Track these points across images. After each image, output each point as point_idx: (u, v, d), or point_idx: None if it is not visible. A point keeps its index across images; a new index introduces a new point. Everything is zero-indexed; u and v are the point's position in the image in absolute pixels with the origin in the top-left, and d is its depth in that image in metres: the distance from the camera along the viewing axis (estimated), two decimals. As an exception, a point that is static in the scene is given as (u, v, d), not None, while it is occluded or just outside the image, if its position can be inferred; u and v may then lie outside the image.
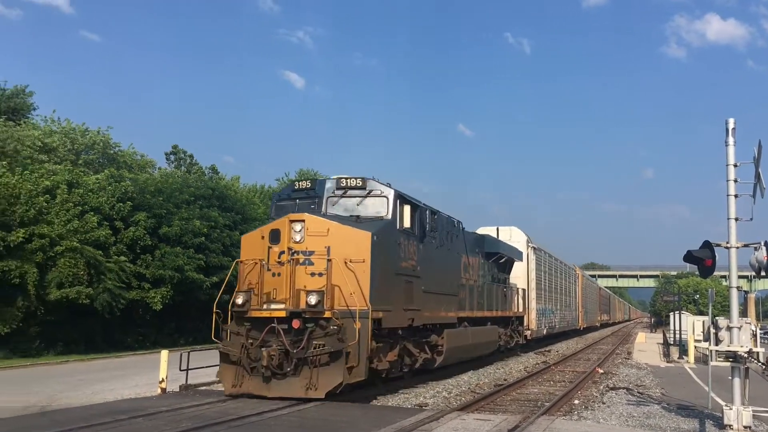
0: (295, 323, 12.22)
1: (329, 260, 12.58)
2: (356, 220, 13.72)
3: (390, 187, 14.49)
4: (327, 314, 12.23)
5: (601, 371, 22.15)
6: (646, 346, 39.49)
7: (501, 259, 25.51)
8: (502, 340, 24.73)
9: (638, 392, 16.66)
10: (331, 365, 12.04)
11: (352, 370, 12.44)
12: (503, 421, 11.10)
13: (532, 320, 30.90)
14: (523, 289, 29.04)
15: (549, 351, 32.26)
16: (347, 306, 12.61)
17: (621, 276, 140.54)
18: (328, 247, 12.93)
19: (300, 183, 14.67)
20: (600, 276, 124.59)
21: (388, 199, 14.27)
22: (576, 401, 14.89)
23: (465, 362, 20.66)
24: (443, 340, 17.30)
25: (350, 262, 12.91)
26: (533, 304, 31.16)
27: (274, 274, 13.01)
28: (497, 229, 30.82)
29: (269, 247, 13.19)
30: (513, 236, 30.86)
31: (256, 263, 13.18)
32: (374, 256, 13.09)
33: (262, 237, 13.40)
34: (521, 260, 28.94)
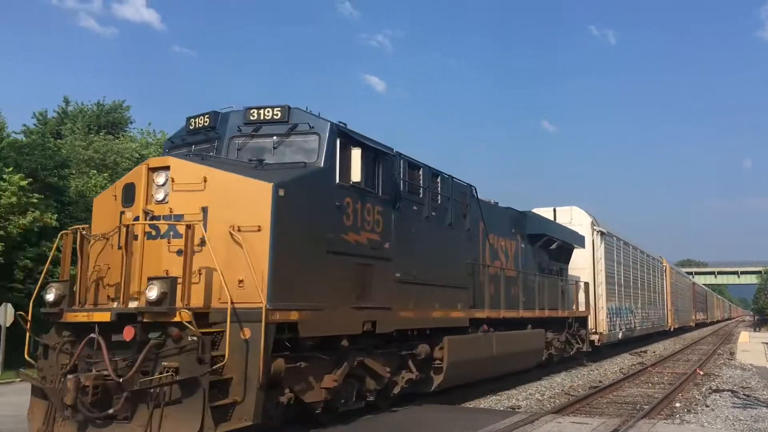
0: (127, 332, 7.30)
1: (188, 227, 7.63)
2: (257, 166, 8.75)
3: (329, 121, 9.47)
4: (180, 316, 7.27)
5: (702, 373, 20.60)
6: (749, 345, 35.16)
7: (551, 244, 19.90)
8: (553, 348, 19.10)
9: (744, 395, 15.52)
10: (183, 403, 7.08)
11: (231, 410, 7.47)
12: (601, 424, 10.55)
13: (601, 322, 24.93)
14: (586, 283, 23.15)
15: (645, 352, 30.09)
16: (232, 302, 7.67)
17: (720, 273, 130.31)
18: (205, 208, 8.05)
19: (196, 120, 9.79)
20: (697, 273, 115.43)
21: (319, 136, 9.22)
22: (677, 404, 14.16)
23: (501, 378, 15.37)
24: (443, 352, 12.08)
25: (239, 230, 7.95)
26: (602, 302, 25.16)
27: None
28: (554, 210, 25.11)
29: (122, 212, 8.43)
30: (574, 218, 25.05)
31: (96, 237, 8.45)
32: (280, 221, 8.07)
33: (115, 197, 8.64)
34: (583, 246, 23.14)
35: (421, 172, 11.92)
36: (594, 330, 24.25)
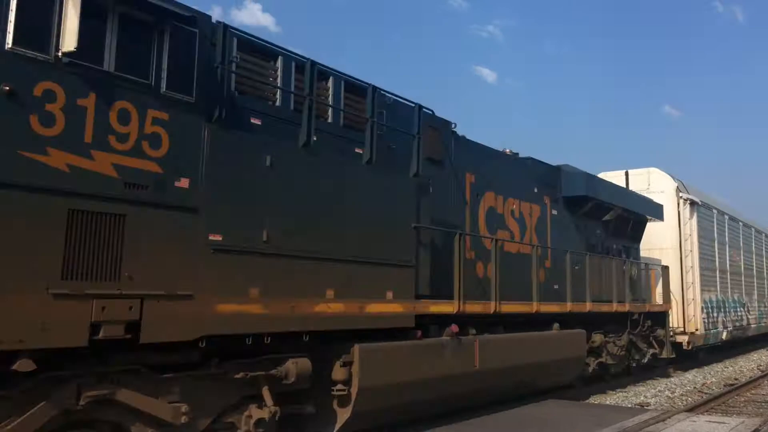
0: None
1: None
2: None
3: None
4: None
5: None
6: None
7: (605, 212, 14.53)
8: (606, 356, 13.71)
9: None
10: None
11: None
12: (740, 423, 9.57)
13: (693, 319, 18.97)
14: (665, 267, 17.33)
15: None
16: None
17: None
18: None
19: None
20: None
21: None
22: (824, 404, 13.07)
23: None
24: (351, 371, 7.30)
25: None
26: (694, 293, 19.17)
27: None
28: (626, 174, 19.66)
29: None
30: (652, 183, 19.33)
31: None
32: None
33: None
34: (660, 218, 17.40)
35: (294, 69, 7.18)
36: (681, 329, 18.44)
